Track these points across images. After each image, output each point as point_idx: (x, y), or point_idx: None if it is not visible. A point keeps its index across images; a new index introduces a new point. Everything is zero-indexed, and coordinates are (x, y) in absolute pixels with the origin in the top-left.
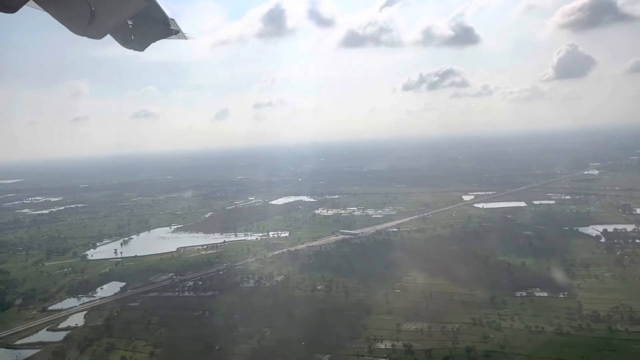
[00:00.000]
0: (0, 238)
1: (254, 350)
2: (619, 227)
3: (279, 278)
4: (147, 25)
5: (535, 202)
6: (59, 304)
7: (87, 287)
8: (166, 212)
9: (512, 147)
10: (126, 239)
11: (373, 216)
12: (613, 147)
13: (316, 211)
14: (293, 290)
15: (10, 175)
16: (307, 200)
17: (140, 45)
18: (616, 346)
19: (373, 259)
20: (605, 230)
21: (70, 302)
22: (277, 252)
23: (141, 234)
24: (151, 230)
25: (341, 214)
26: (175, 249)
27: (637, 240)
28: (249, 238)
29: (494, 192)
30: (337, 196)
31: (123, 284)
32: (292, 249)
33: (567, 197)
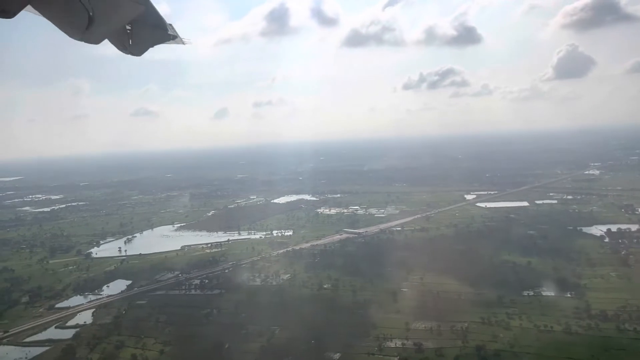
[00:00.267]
0: (3, 236)
1: (263, 349)
2: (623, 226)
3: (285, 276)
4: (145, 30)
5: (538, 202)
6: (65, 301)
7: (93, 285)
8: (168, 211)
9: (511, 146)
10: (130, 237)
11: (376, 215)
12: (613, 147)
13: (319, 210)
14: (300, 288)
15: (9, 173)
16: (309, 198)
17: (138, 50)
18: (625, 345)
19: (378, 258)
20: (609, 230)
21: (76, 300)
22: (282, 251)
23: (144, 232)
24: (154, 229)
25: (344, 212)
26: (179, 247)
27: None
28: (252, 237)
29: (496, 192)
30: (338, 195)
31: (129, 281)
32: (297, 247)
33: (569, 197)
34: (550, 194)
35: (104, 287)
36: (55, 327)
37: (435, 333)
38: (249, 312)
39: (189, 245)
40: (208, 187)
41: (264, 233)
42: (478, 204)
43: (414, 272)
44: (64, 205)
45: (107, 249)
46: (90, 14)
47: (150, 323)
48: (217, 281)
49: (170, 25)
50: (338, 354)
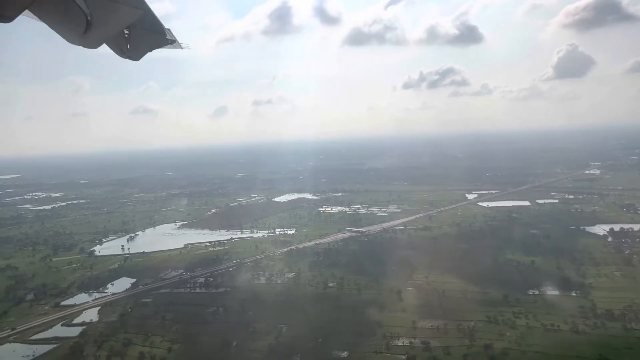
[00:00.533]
0: (5, 233)
1: (271, 347)
2: (625, 226)
3: (290, 275)
4: (143, 35)
5: (539, 201)
6: (70, 299)
7: (97, 283)
8: (169, 209)
9: (510, 145)
10: (132, 235)
11: (378, 214)
12: (612, 146)
13: (320, 208)
14: (305, 287)
15: (8, 171)
16: (310, 197)
17: (136, 55)
18: (632, 344)
19: (382, 257)
20: (611, 229)
21: (81, 298)
22: (285, 249)
23: (147, 230)
24: (156, 227)
25: (346, 211)
26: (182, 246)
27: None
28: (255, 235)
29: (497, 191)
30: (340, 194)
31: (133, 280)
32: (301, 246)
33: (571, 196)
34: (552, 193)
35: (109, 285)
36: (62, 325)
37: (442, 332)
38: (255, 310)
39: (192, 244)
40: (208, 185)
41: (267, 231)
42: (480, 203)
43: (418, 270)
44: (64, 203)
45: (110, 247)
46: (88, 18)
47: (157, 321)
48: (222, 279)
49: (169, 29)
50: (345, 352)
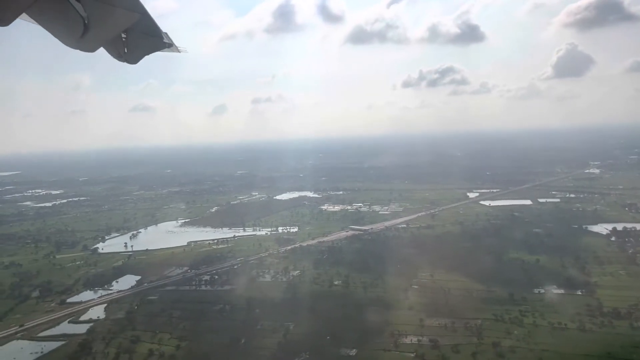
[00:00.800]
0: (7, 230)
1: (280, 344)
2: (628, 225)
3: (295, 273)
4: (140, 39)
5: (541, 200)
6: (76, 296)
7: (102, 280)
8: (170, 206)
9: (509, 144)
10: (135, 232)
11: (380, 212)
12: (611, 146)
13: (322, 207)
14: (310, 285)
15: (6, 168)
16: (311, 195)
17: (134, 58)
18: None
19: (386, 255)
20: (614, 228)
21: (87, 295)
22: (289, 247)
23: (149, 228)
24: (158, 224)
25: (348, 210)
26: (185, 243)
27: None
28: (258, 233)
29: (498, 190)
30: (340, 192)
31: (138, 277)
32: (304, 244)
33: (572, 195)
34: (553, 192)
35: (114, 283)
36: (69, 322)
37: (450, 330)
38: (262, 308)
39: (195, 241)
40: (209, 183)
41: (269, 229)
42: (481, 202)
43: (423, 269)
44: (65, 201)
45: (112, 245)
46: (85, 22)
47: (164, 318)
48: (227, 277)
49: (166, 33)
50: (354, 350)
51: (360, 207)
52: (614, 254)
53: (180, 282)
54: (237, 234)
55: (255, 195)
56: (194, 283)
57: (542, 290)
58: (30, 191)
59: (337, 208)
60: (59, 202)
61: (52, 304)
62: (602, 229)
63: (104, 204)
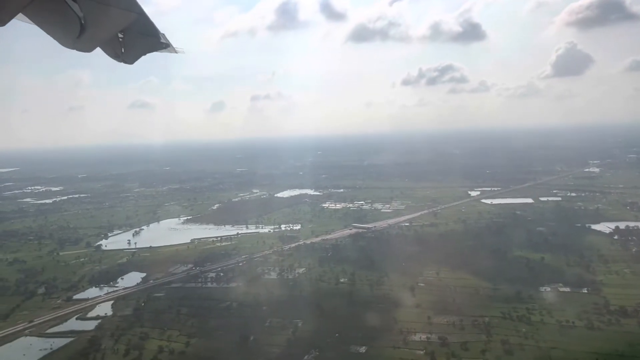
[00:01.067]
0: (8, 227)
1: (289, 342)
2: (631, 224)
3: (300, 270)
4: (138, 39)
5: (542, 199)
6: (82, 293)
7: (107, 277)
8: (172, 204)
9: (507, 143)
10: (137, 229)
11: (382, 210)
12: (609, 144)
13: (324, 205)
14: (316, 282)
15: (4, 164)
16: (312, 193)
17: (131, 58)
18: None
19: (391, 253)
20: (617, 227)
21: (93, 292)
22: (293, 245)
23: (151, 225)
24: (160, 222)
25: (349, 207)
26: (189, 241)
27: None
28: (261, 230)
29: (499, 188)
30: (341, 190)
31: (143, 274)
32: (308, 242)
33: (573, 194)
34: (554, 190)
35: (119, 280)
36: (77, 319)
37: (458, 327)
38: (269, 305)
39: (199, 239)
40: (209, 180)
41: (272, 227)
42: (483, 200)
43: (428, 267)
44: (65, 197)
45: (116, 242)
46: (82, 22)
47: (172, 315)
48: (233, 274)
49: (163, 34)
50: (364, 347)
51: (362, 205)
52: (618, 252)
53: (186, 279)
54: (240, 232)
55: (256, 192)
56: (199, 280)
57: (549, 288)
58: (30, 188)
59: (338, 206)
60: (59, 198)
61: (59, 301)
62: (605, 227)
63: (104, 201)
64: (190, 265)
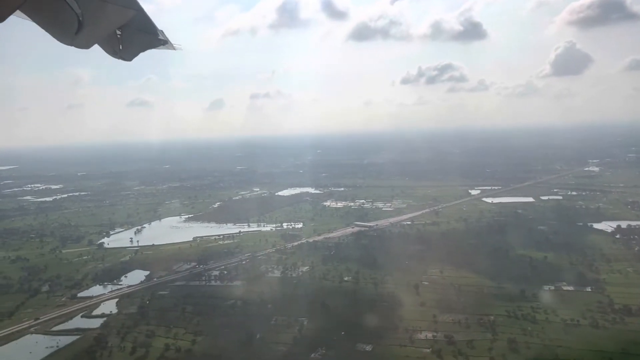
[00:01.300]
0: (9, 225)
1: (296, 340)
2: (632, 223)
3: (304, 269)
4: (136, 35)
5: (543, 198)
6: (86, 291)
7: (111, 275)
8: (172, 202)
9: (506, 142)
10: (139, 227)
11: (383, 209)
12: (608, 144)
13: (325, 203)
14: (320, 281)
15: (2, 162)
16: (313, 192)
17: (129, 55)
18: None
19: (394, 252)
20: (618, 226)
21: (97, 290)
22: (296, 243)
23: (152, 223)
24: (162, 220)
25: (351, 206)
26: (191, 239)
27: None
28: (263, 229)
29: (500, 187)
30: (342, 189)
31: (147, 272)
32: (310, 240)
33: (574, 193)
34: (554, 189)
35: (122, 278)
36: (82, 317)
37: (464, 326)
38: (274, 303)
39: (201, 237)
40: (209, 178)
41: (274, 225)
42: (484, 199)
43: (432, 265)
44: (65, 195)
45: (118, 240)
46: (80, 19)
47: (177, 313)
48: (236, 272)
49: (162, 31)
50: (370, 345)
51: (363, 204)
52: (620, 251)
53: (189, 277)
54: (242, 230)
55: (257, 191)
56: (203, 278)
57: (552, 287)
58: (30, 185)
59: (340, 204)
60: (59, 196)
61: (63, 299)
62: (607, 226)
63: (105, 199)
64: (193, 264)
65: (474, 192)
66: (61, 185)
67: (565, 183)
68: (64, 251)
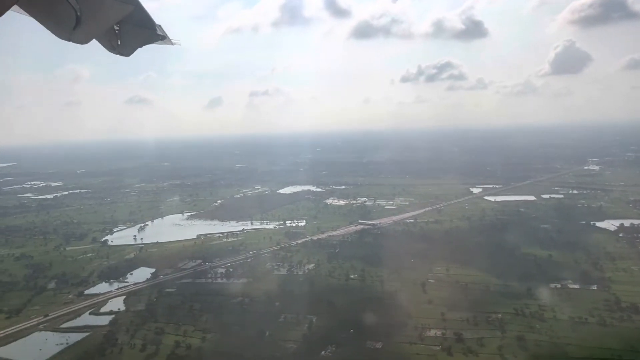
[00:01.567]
0: (12, 222)
1: (305, 337)
2: (635, 222)
3: (310, 266)
4: (134, 31)
5: (545, 196)
6: (92, 288)
7: (117, 273)
8: (174, 199)
9: (505, 141)
10: (142, 225)
11: (386, 207)
12: (607, 143)
13: (327, 201)
14: (326, 278)
15: (1, 159)
16: (314, 190)
17: (127, 51)
18: None
19: (399, 250)
20: (621, 224)
21: (103, 287)
22: (300, 241)
23: (155, 221)
24: (165, 217)
25: (353, 204)
26: (195, 236)
27: None
28: (266, 226)
29: (501, 186)
30: (343, 187)
31: (152, 269)
32: (315, 238)
33: (575, 191)
34: (555, 188)
35: (128, 275)
36: (90, 314)
37: (472, 323)
38: (282, 300)
39: (205, 234)
40: (209, 176)
41: (277, 223)
42: (486, 197)
43: (437, 263)
44: (66, 193)
45: (121, 237)
46: (78, 14)
47: (184, 311)
48: (242, 270)
49: (160, 26)
50: (380, 343)
51: (365, 202)
52: (624, 250)
53: (195, 274)
54: (245, 228)
55: (258, 188)
56: (209, 276)
57: (558, 285)
58: (29, 183)
59: (342, 202)
60: (60, 194)
61: (70, 296)
62: (610, 225)
63: (106, 196)
64: (198, 261)
65: (475, 190)
66: (61, 183)
67: (565, 182)
68: (68, 249)
